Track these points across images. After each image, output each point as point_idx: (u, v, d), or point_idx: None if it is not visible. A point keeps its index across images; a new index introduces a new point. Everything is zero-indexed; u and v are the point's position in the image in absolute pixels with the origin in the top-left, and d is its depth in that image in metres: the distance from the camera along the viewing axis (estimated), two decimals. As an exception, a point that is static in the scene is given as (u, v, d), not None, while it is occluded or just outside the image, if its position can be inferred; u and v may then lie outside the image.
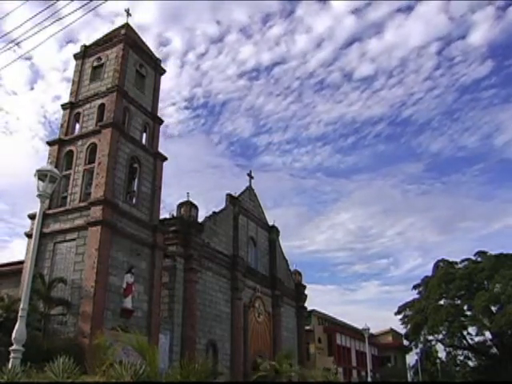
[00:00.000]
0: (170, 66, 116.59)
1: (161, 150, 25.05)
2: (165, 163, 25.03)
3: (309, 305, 44.42)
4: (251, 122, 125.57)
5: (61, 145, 23.25)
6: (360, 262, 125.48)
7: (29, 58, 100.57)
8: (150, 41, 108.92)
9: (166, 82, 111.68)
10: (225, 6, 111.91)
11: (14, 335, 9.48)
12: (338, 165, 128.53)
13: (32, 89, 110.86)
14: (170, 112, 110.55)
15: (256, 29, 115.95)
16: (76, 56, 25.88)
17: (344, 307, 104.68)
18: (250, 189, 37.48)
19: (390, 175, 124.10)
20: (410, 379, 60.59)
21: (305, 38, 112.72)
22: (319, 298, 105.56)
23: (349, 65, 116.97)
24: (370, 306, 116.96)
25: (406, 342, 59.37)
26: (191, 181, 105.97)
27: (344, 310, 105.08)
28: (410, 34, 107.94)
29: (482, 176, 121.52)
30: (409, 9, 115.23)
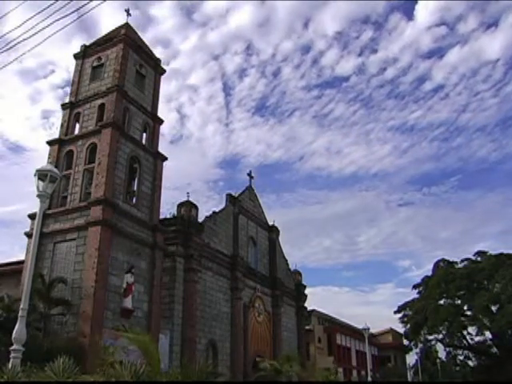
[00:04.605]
0: (252, 73, 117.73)
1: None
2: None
3: (320, 306, 44.28)
4: (314, 127, 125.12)
5: (61, 145, 23.26)
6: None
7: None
8: (237, 49, 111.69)
9: (242, 90, 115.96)
10: (318, 16, 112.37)
11: (14, 335, 9.46)
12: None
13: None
14: (242, 117, 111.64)
15: (343, 40, 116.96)
16: (76, 56, 25.88)
17: (358, 308, 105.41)
18: (250, 189, 37.46)
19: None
20: (410, 379, 60.57)
21: (386, 50, 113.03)
22: (335, 300, 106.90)
23: (422, 76, 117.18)
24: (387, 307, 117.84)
25: (405, 342, 59.37)
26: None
27: (358, 312, 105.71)
28: (488, 46, 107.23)
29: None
30: (495, 21, 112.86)
